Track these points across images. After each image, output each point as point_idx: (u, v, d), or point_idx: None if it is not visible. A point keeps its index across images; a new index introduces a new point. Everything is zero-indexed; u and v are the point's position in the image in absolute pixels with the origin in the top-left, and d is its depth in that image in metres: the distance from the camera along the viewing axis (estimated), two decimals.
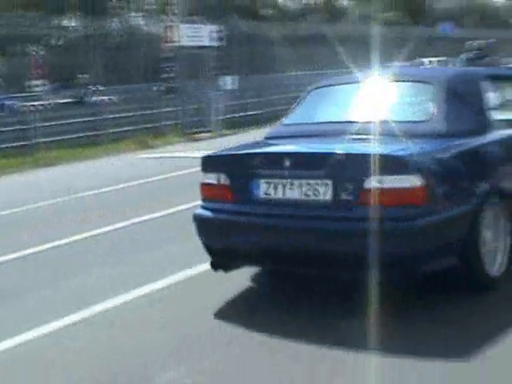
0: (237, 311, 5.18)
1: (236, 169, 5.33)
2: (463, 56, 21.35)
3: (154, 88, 26.00)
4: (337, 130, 5.37)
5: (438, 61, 37.91)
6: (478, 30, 43.44)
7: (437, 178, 4.82)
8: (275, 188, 5.03)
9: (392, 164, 4.67)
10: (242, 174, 5.24)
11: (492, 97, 5.72)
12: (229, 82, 22.40)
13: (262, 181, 5.08)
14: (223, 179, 5.29)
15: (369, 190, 4.63)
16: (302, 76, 27.86)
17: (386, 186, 4.60)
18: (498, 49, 26.38)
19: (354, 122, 5.34)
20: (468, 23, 66.40)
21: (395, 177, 4.62)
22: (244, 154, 5.60)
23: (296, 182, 4.93)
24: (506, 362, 3.93)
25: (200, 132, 21.53)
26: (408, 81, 6.02)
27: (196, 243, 5.52)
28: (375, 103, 5.77)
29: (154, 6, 47.44)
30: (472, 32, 41.44)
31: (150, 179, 12.81)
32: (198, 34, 22.21)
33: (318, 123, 5.82)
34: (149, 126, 22.02)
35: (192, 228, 5.48)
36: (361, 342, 4.20)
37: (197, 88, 22.45)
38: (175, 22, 22.80)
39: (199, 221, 5.47)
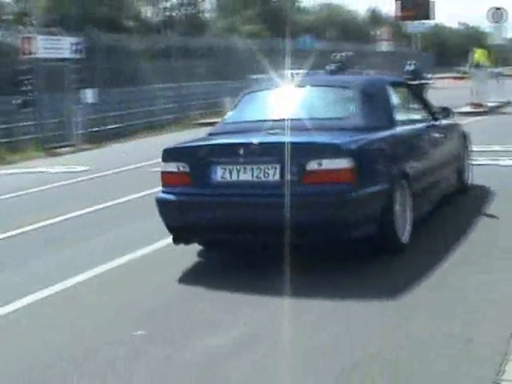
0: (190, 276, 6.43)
1: (195, 158, 6.37)
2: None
3: (13, 101, 25.05)
4: (274, 126, 6.49)
5: (297, 74, 38.59)
6: (339, 43, 44.51)
7: (362, 162, 5.98)
8: (230, 172, 6.16)
9: (328, 150, 5.99)
10: (201, 162, 6.29)
11: (394, 99, 7.39)
12: (89, 95, 21.84)
13: (219, 167, 6.19)
14: (182, 167, 6.35)
15: (310, 172, 5.90)
16: (165, 89, 27.61)
17: (323, 167, 5.88)
18: (357, 61, 27.09)
19: (288, 119, 6.48)
20: (330, 36, 68.17)
21: (331, 160, 5.88)
22: (202, 145, 6.78)
23: (248, 167, 6.08)
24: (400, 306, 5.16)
25: (60, 147, 20.87)
26: (329, 86, 7.75)
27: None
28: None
29: (12, 17, 45.95)
30: (334, 45, 42.46)
31: (6, 196, 12.23)
32: (56, 46, 21.55)
33: (255, 121, 6.93)
34: (6, 140, 21.10)
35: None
36: (286, 289, 5.43)
37: (56, 101, 21.75)
38: (33, 34, 22.05)
39: (162, 203, 6.54)
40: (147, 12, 73.04)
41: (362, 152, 6.17)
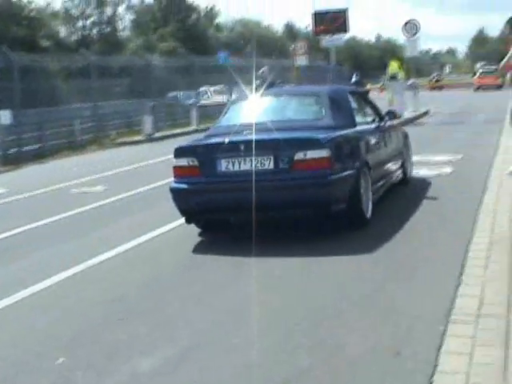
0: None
1: (202, 154, 7.99)
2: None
3: None
4: (263, 126, 8.12)
5: (214, 90, 38.60)
6: (257, 58, 44.67)
7: (336, 153, 7.74)
8: (233, 164, 7.75)
9: (311, 144, 7.67)
10: (207, 157, 7.89)
11: (353, 104, 9.32)
12: (4, 116, 21.23)
13: (223, 160, 7.78)
14: (192, 161, 7.93)
15: (298, 161, 7.56)
16: (82, 108, 27.18)
17: (308, 157, 7.55)
18: (277, 76, 27.16)
19: (273, 120, 8.41)
20: (248, 52, 68.42)
21: (314, 151, 7.56)
22: (208, 143, 8.37)
23: (248, 158, 7.65)
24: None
25: None
26: (303, 94, 9.81)
27: None
28: (284, 109, 9.20)
29: None
30: (251, 60, 42.54)
31: None
32: None
33: (247, 123, 8.37)
34: None
35: None
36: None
37: None
38: None
39: (176, 191, 8.14)
40: (63, 31, 72.09)
41: (336, 145, 7.93)
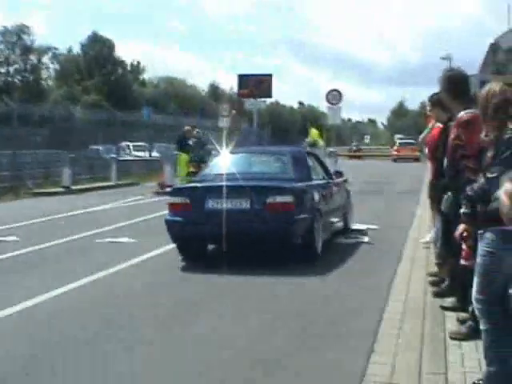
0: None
1: (194, 194, 10.22)
2: (190, 142, 24.18)
3: None
4: (241, 176, 10.34)
5: (135, 146, 38.53)
6: (179, 117, 44.86)
7: (298, 199, 9.93)
8: (218, 203, 9.84)
9: (280, 191, 9.95)
10: (197, 196, 10.08)
11: (309, 163, 11.59)
12: None
13: (210, 200, 9.91)
14: (184, 200, 10.14)
15: (269, 203, 9.76)
16: (0, 155, 26.60)
17: (277, 201, 9.78)
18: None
19: (248, 172, 10.90)
20: (172, 109, 68.66)
21: (281, 197, 9.81)
22: (199, 186, 10.57)
23: (229, 200, 9.77)
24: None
25: None
26: (272, 153, 12.44)
27: None
28: (257, 163, 11.61)
29: None
30: (173, 119, 42.73)
31: None
32: None
33: (228, 173, 10.52)
34: None
35: None
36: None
37: None
38: None
39: (170, 223, 10.23)
40: None
41: (298, 193, 10.15)
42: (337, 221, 12.28)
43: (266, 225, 9.77)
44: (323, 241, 10.62)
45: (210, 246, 10.93)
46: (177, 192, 10.72)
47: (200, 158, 23.06)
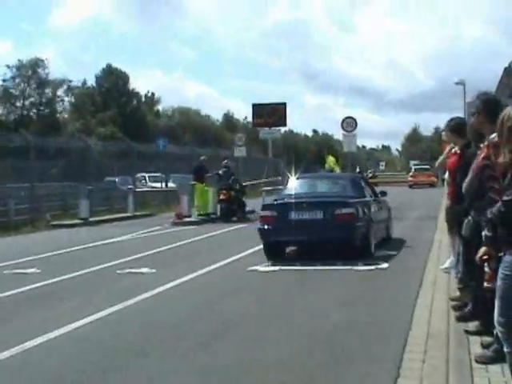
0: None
1: (279, 208, 13.56)
2: (220, 172, 25.16)
3: None
4: (313, 194, 14.33)
5: (151, 177, 38.75)
6: (195, 147, 45.07)
7: (357, 211, 13.16)
8: (299, 214, 13.10)
9: (344, 204, 13.21)
10: (281, 210, 13.40)
11: (363, 185, 15.16)
12: None
13: (293, 212, 13.12)
14: (272, 213, 13.48)
15: (337, 214, 12.99)
16: (18, 188, 26.84)
17: (343, 212, 12.98)
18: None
19: (318, 191, 14.75)
20: (187, 140, 68.98)
21: (346, 209, 13.06)
22: (283, 202, 13.77)
23: (307, 211, 13.11)
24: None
25: None
26: (335, 177, 17.43)
27: None
28: (324, 185, 15.37)
29: None
30: (189, 149, 42.91)
31: None
32: None
33: (302, 192, 14.31)
34: None
35: None
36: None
37: None
38: None
39: (262, 230, 13.45)
40: (1, 110, 71.77)
41: (357, 206, 13.37)
42: (383, 229, 15.39)
43: (335, 230, 12.92)
44: (374, 244, 13.83)
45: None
46: (266, 207, 14.20)
47: (229, 186, 24.00)
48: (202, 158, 27.43)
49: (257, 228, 13.73)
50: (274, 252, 13.50)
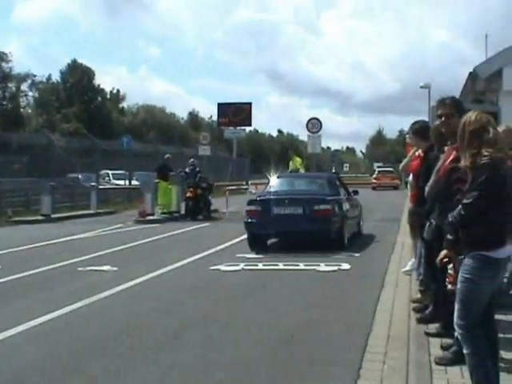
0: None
1: (263, 204, 14.94)
2: (187, 169, 25.49)
3: None
4: (293, 192, 15.86)
5: (114, 174, 38.54)
6: (159, 145, 44.90)
7: (333, 207, 14.74)
8: (280, 209, 14.63)
9: (322, 201, 14.78)
10: (265, 205, 14.81)
11: (337, 183, 16.83)
12: None
13: (274, 207, 14.66)
14: (256, 208, 14.92)
15: (315, 210, 14.51)
16: None
17: (321, 208, 14.53)
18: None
19: (298, 189, 16.37)
20: (151, 138, 68.63)
21: (323, 205, 14.60)
22: (267, 198, 15.05)
23: (288, 207, 14.64)
24: None
25: None
26: (313, 176, 19.59)
27: None
28: (303, 184, 17.22)
29: None
30: (153, 147, 42.73)
31: None
32: None
33: (283, 190, 15.80)
34: None
35: None
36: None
37: None
38: None
39: (247, 224, 14.89)
40: None
41: (333, 203, 14.87)
42: (355, 225, 16.81)
43: (313, 224, 14.38)
44: (347, 237, 15.27)
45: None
46: (251, 202, 15.34)
47: (196, 184, 24.21)
48: (167, 156, 27.42)
49: (243, 221, 15.16)
50: (257, 244, 14.83)
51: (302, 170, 25.61)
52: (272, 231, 14.84)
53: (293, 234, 14.89)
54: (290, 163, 26.31)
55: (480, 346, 4.88)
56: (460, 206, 4.92)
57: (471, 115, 5.03)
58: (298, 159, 26.54)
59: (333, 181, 16.66)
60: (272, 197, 15.10)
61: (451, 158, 6.21)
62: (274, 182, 16.56)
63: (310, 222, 14.38)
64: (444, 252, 5.31)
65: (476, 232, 4.89)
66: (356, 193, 17.61)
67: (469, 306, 4.92)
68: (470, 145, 4.92)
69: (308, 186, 16.73)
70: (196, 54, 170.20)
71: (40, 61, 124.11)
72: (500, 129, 5.82)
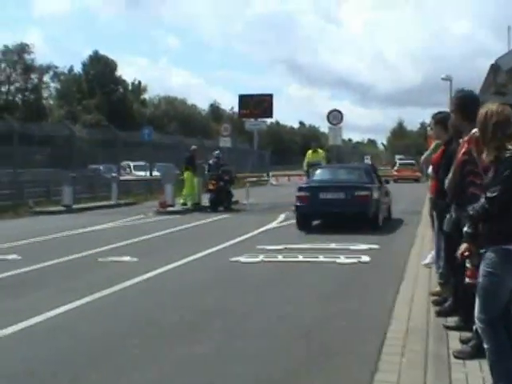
0: None
1: (308, 189, 17.77)
2: (210, 162, 25.94)
3: None
4: (338, 179, 18.46)
5: (135, 166, 38.65)
6: (180, 136, 44.94)
7: (370, 193, 17.16)
8: (326, 194, 17.24)
9: (361, 187, 17.43)
10: (311, 191, 17.61)
11: (373, 173, 19.33)
12: None
13: (321, 193, 17.37)
14: (305, 193, 17.61)
15: (356, 195, 17.13)
16: (1, 174, 26.64)
17: (361, 194, 17.13)
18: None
19: (341, 178, 18.77)
20: (172, 129, 68.77)
21: (362, 191, 17.21)
22: (314, 186, 17.98)
23: (332, 193, 17.24)
24: None
25: None
26: (352, 167, 22.15)
27: None
28: (344, 173, 19.66)
29: None
30: (174, 138, 42.78)
31: None
32: None
33: (328, 179, 18.70)
34: None
35: None
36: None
37: None
38: None
39: (298, 207, 17.47)
40: None
41: (371, 189, 17.19)
42: (385, 210, 18.81)
43: (354, 207, 17.00)
44: (381, 219, 17.73)
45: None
46: (301, 189, 17.91)
47: (218, 176, 24.44)
48: (193, 147, 27.54)
49: (294, 206, 17.68)
50: (305, 224, 17.40)
51: (323, 163, 25.40)
52: (318, 213, 17.61)
53: (336, 216, 17.37)
54: (307, 155, 26.06)
55: (501, 341, 4.84)
56: (484, 200, 4.86)
57: (492, 107, 4.94)
58: (321, 151, 26.37)
59: (369, 171, 19.26)
60: (317, 184, 17.94)
61: (463, 150, 6.16)
62: (319, 172, 19.54)
63: (351, 205, 16.97)
64: (464, 245, 5.26)
65: (498, 226, 4.83)
66: (387, 182, 21.03)
67: (490, 300, 4.87)
68: (493, 137, 4.84)
69: (348, 175, 19.19)
70: (215, 46, 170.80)
71: (61, 52, 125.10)
72: None
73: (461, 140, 6.45)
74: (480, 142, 5.13)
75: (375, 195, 17.32)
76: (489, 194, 4.80)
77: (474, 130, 5.97)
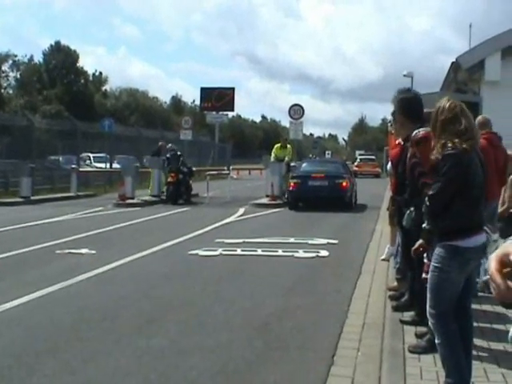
0: None
1: (300, 178, 22.38)
2: (168, 155, 25.37)
3: None
4: (320, 170, 23.10)
5: (95, 157, 38.36)
6: (141, 128, 44.67)
7: (348, 181, 22.03)
8: (313, 182, 21.93)
9: (341, 176, 22.35)
10: (302, 179, 22.24)
11: (347, 166, 26.65)
12: None
13: (308, 180, 22.02)
14: (296, 180, 22.18)
15: (337, 182, 21.84)
16: None
17: (340, 181, 21.86)
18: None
19: (324, 169, 23.53)
20: (133, 121, 68.31)
21: (341, 179, 22.02)
22: (303, 175, 22.63)
23: (318, 180, 21.95)
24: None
25: None
26: (330, 161, 32.30)
27: None
28: (326, 165, 25.68)
29: None
30: (135, 130, 42.51)
31: None
32: None
33: (313, 169, 23.35)
34: None
35: None
36: None
37: None
38: None
39: (290, 192, 22.23)
40: None
41: (347, 179, 22.11)
42: (355, 195, 22.86)
43: (335, 192, 21.24)
44: (354, 202, 22.47)
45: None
46: (293, 178, 22.19)
47: (177, 169, 24.43)
48: (161, 143, 27.69)
49: (287, 190, 22.43)
50: (295, 205, 21.89)
51: (287, 158, 25.16)
52: (306, 197, 21.93)
53: (321, 199, 21.33)
54: (275, 149, 25.84)
55: (451, 336, 4.89)
56: (426, 198, 4.93)
57: (445, 104, 4.96)
58: (289, 147, 26.04)
59: (345, 164, 26.26)
60: (306, 174, 22.44)
61: (409, 154, 6.23)
62: (306, 164, 24.91)
63: (333, 191, 21.30)
64: (420, 242, 5.33)
65: (443, 222, 4.90)
66: (354, 173, 28.09)
67: (439, 295, 4.93)
68: (440, 135, 4.88)
69: (329, 167, 23.91)
70: (174, 36, 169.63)
71: (18, 41, 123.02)
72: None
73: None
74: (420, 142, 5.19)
75: (350, 184, 21.88)
76: (430, 192, 4.87)
77: (416, 131, 6.02)
